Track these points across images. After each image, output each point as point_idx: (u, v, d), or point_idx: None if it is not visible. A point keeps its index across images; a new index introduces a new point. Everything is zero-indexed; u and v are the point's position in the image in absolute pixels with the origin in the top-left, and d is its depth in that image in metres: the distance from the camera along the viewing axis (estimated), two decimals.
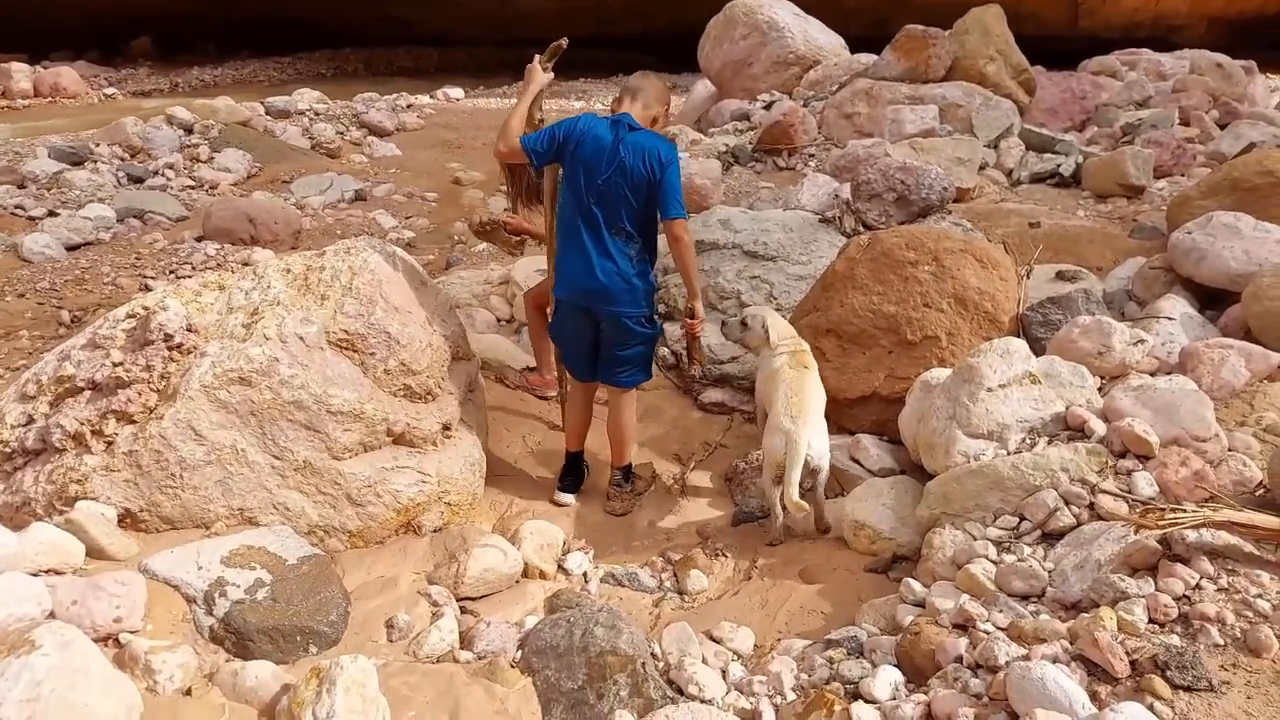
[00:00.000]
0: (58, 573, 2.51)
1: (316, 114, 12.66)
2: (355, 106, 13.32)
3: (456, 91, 16.20)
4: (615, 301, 3.46)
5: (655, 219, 3.46)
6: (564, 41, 3.63)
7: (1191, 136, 8.00)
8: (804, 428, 3.21)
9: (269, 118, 12.12)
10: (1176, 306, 3.85)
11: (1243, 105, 8.94)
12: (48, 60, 19.21)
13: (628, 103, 3.48)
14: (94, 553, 2.68)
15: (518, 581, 3.22)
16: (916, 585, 2.79)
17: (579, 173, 3.39)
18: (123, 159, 9.78)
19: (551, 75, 3.62)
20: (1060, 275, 4.43)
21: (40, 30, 21.94)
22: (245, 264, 6.44)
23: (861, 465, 3.70)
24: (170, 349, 3.08)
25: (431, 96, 15.59)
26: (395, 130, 12.40)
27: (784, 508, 3.28)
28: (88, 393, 3.04)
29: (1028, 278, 4.28)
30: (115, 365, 3.03)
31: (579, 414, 3.85)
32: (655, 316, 3.63)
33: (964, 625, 2.45)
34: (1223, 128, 8.07)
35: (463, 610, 3.01)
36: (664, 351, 5.01)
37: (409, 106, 14.17)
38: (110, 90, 17.50)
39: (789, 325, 3.78)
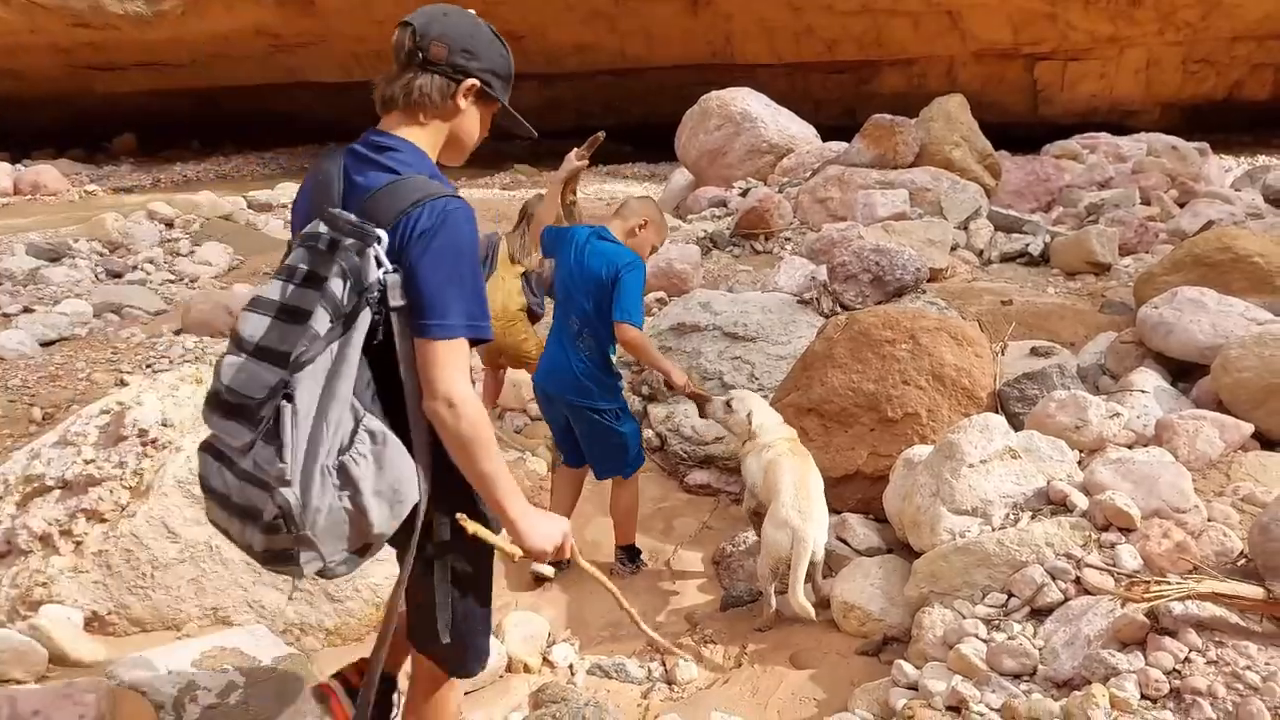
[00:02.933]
0: (19, 681, 2.42)
1: None
2: None
3: None
4: (572, 393, 3.60)
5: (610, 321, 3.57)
6: (601, 135, 3.84)
7: (1153, 215, 8.25)
8: (812, 525, 3.19)
9: (251, 211, 12.28)
10: (1149, 380, 3.90)
11: (1199, 185, 9.26)
12: (29, 158, 19.47)
13: (612, 219, 3.74)
14: (58, 659, 2.60)
15: (501, 676, 3.13)
16: (908, 667, 2.74)
17: (556, 272, 3.72)
18: (102, 254, 9.82)
19: (586, 163, 3.82)
20: (1034, 351, 4.50)
21: (23, 128, 22.30)
22: None
23: (848, 545, 3.67)
24: (144, 445, 3.05)
25: None
26: None
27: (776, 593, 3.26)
28: (57, 492, 2.99)
29: (1003, 354, 4.34)
30: (87, 463, 2.99)
31: (562, 492, 3.89)
32: (621, 412, 3.68)
33: (957, 708, 2.41)
34: (1181, 206, 8.34)
35: None
36: (648, 434, 5.00)
37: None
38: (92, 187, 17.70)
39: (772, 411, 3.75)
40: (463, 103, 1.83)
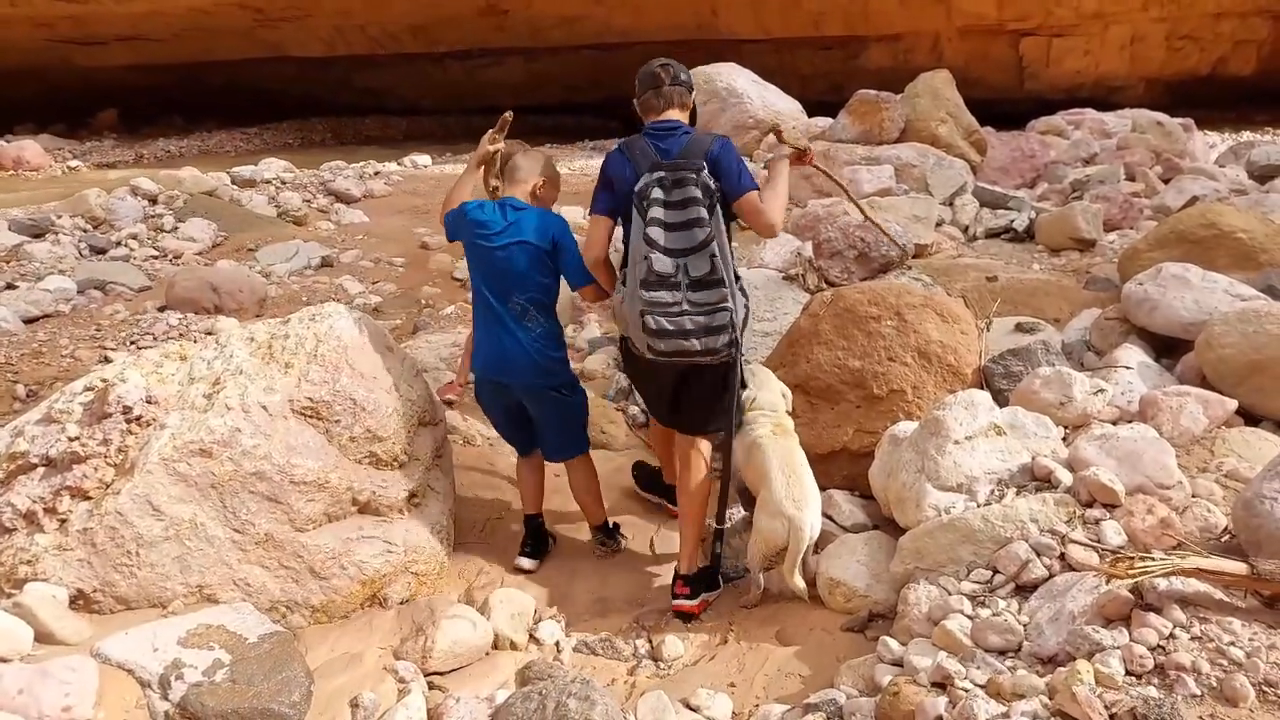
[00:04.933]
0: (4, 660, 2.40)
1: (283, 182, 12.68)
2: (322, 174, 13.37)
3: (424, 159, 16.34)
4: (532, 376, 3.51)
5: (555, 289, 3.54)
6: (509, 115, 3.77)
7: (1137, 191, 8.25)
8: (807, 513, 3.19)
9: (235, 187, 12.12)
10: (1133, 356, 3.92)
11: (1184, 161, 9.27)
12: (11, 134, 19.17)
13: (508, 186, 3.60)
14: (43, 637, 2.58)
15: (488, 653, 3.14)
16: (894, 644, 2.76)
17: (471, 253, 3.53)
18: (85, 230, 9.70)
19: (501, 146, 3.75)
20: (1019, 327, 4.51)
21: (4, 104, 21.95)
22: (208, 333, 6.36)
23: (834, 521, 3.68)
24: (129, 422, 3.02)
25: (399, 164, 15.71)
26: (363, 197, 12.45)
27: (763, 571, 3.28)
28: (41, 469, 2.96)
29: (988, 330, 4.35)
30: (71, 440, 2.96)
31: (527, 479, 3.84)
32: (574, 383, 3.66)
33: (942, 684, 2.43)
34: (1166, 182, 8.35)
35: (431, 686, 2.92)
36: (634, 410, 5.00)
37: (376, 174, 14.26)
38: (75, 163, 17.46)
39: (777, 394, 3.61)
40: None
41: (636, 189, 3.13)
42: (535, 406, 3.60)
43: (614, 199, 3.30)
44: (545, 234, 3.44)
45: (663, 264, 3.08)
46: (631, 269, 3.17)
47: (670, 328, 3.09)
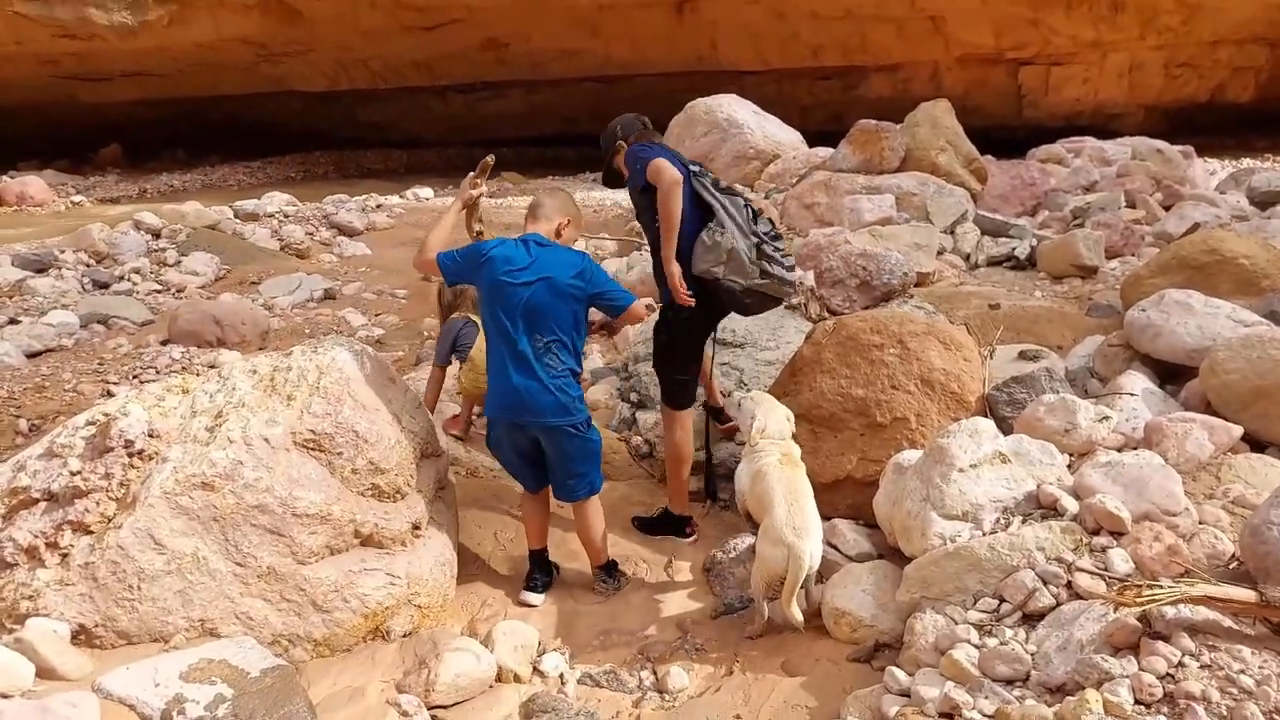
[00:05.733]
0: (5, 696, 2.39)
1: (286, 215, 12.79)
2: (325, 207, 13.48)
3: (426, 191, 16.49)
4: (542, 413, 3.45)
5: (577, 328, 3.53)
6: (490, 159, 3.81)
7: (1138, 218, 8.30)
8: (807, 541, 3.17)
9: (238, 220, 12.23)
10: (1137, 382, 3.91)
11: (1184, 188, 9.32)
12: (15, 170, 19.35)
13: (531, 223, 3.61)
14: (44, 673, 2.56)
15: (491, 686, 3.11)
16: (900, 674, 2.74)
17: (493, 291, 3.46)
18: (88, 265, 9.77)
19: (483, 190, 3.79)
20: (1023, 355, 4.51)
21: (8, 140, 22.17)
22: (211, 366, 6.38)
23: (839, 550, 3.66)
24: (131, 455, 3.02)
25: (401, 196, 15.84)
26: (365, 230, 12.54)
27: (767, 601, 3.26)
28: (43, 504, 2.95)
29: (991, 358, 4.35)
30: (73, 474, 2.96)
31: (533, 514, 3.78)
32: (590, 422, 3.61)
33: (950, 714, 2.40)
34: (1167, 209, 8.39)
35: (434, 719, 2.89)
36: (636, 440, 4.99)
37: (379, 206, 14.38)
38: (78, 197, 17.62)
39: (783, 420, 3.64)
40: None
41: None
42: (552, 445, 3.54)
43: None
44: (572, 269, 3.45)
45: None
46: None
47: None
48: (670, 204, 3.68)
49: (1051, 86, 20.62)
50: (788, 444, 3.55)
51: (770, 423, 3.57)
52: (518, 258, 3.44)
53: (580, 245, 9.74)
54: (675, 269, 3.75)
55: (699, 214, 3.81)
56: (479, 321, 4.66)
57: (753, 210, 3.90)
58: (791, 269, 3.94)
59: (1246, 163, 15.39)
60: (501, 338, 3.47)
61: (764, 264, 3.78)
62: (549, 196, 3.67)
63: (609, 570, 3.82)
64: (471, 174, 3.75)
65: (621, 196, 14.35)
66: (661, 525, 4.18)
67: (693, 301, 3.76)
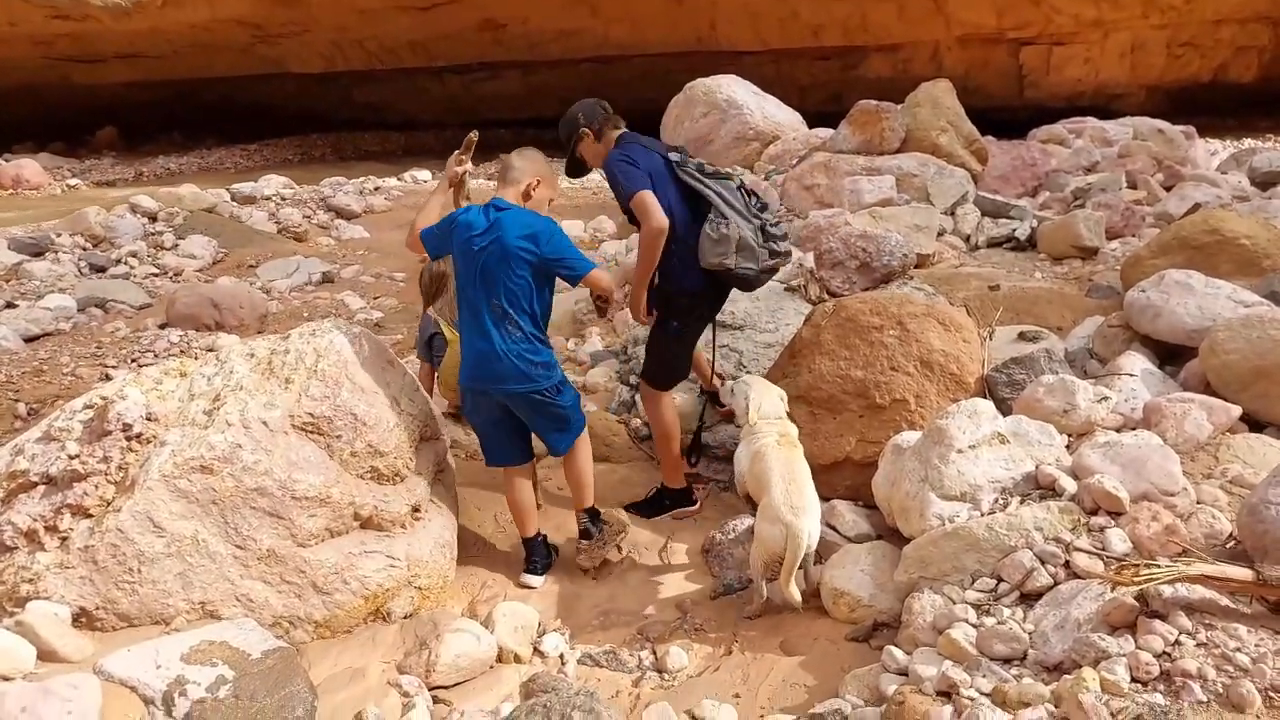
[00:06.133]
0: (6, 678, 2.40)
1: (283, 199, 12.74)
2: (322, 190, 13.43)
3: (424, 174, 16.42)
4: (512, 381, 3.43)
5: (538, 293, 3.46)
6: (474, 135, 3.80)
7: (1139, 199, 8.26)
8: (805, 520, 3.17)
9: (235, 204, 12.18)
10: (1137, 363, 3.91)
11: (1185, 168, 9.28)
12: (10, 153, 19.27)
13: (500, 187, 3.54)
14: (46, 655, 2.57)
15: (492, 667, 3.13)
16: (899, 653, 2.75)
17: (458, 259, 3.48)
18: (85, 248, 9.74)
19: (469, 167, 3.76)
20: (1022, 336, 4.51)
21: (3, 122, 22.05)
22: (209, 350, 6.37)
23: (838, 531, 3.67)
24: (129, 439, 3.02)
25: (399, 179, 15.78)
26: (363, 212, 12.49)
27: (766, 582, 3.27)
28: (42, 487, 2.95)
29: (990, 339, 4.34)
30: (71, 458, 2.96)
31: (518, 500, 3.74)
32: (561, 385, 3.58)
33: (947, 692, 2.41)
34: (1168, 190, 8.36)
35: (435, 700, 2.91)
36: (635, 423, 4.99)
37: (376, 189, 14.32)
38: (74, 181, 17.54)
39: (778, 400, 3.70)
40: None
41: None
42: (521, 409, 3.56)
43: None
44: (525, 230, 3.35)
45: None
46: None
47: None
48: (649, 252, 3.67)
49: (1053, 66, 20.48)
50: (784, 424, 3.57)
51: (765, 403, 3.60)
52: (477, 222, 3.41)
53: (577, 224, 9.68)
54: (643, 296, 3.85)
55: (687, 206, 3.79)
56: (447, 336, 4.61)
57: (746, 190, 3.92)
58: (785, 236, 3.98)
59: (1248, 143, 15.33)
60: (467, 306, 3.49)
61: (771, 244, 3.83)
62: (519, 157, 3.58)
63: (593, 517, 3.77)
64: (457, 151, 3.72)
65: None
66: (661, 504, 4.18)
67: (650, 321, 3.94)
